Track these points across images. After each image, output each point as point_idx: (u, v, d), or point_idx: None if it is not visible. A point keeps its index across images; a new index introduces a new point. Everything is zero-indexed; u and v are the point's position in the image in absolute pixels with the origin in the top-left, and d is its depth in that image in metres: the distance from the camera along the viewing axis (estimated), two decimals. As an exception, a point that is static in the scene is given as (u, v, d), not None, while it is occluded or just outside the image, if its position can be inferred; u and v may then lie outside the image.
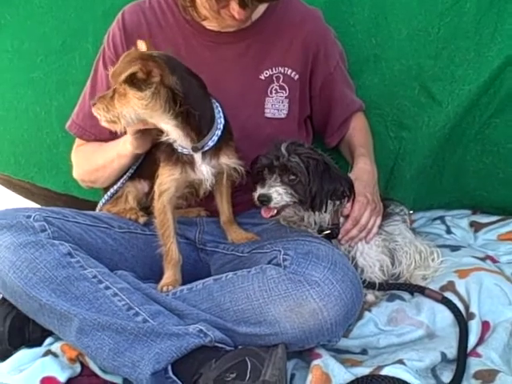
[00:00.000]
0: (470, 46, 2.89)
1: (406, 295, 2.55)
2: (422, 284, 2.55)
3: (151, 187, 2.44)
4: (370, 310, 2.46)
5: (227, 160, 2.35)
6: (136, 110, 2.17)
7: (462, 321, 2.32)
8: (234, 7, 2.32)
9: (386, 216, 2.62)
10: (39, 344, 2.33)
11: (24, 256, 2.14)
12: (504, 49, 2.83)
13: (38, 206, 3.28)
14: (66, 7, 3.02)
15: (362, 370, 2.14)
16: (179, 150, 2.29)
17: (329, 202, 2.35)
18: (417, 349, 2.23)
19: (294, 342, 2.16)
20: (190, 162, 2.30)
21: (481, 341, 2.28)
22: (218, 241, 2.58)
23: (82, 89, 2.75)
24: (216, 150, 2.31)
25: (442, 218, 3.18)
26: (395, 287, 2.57)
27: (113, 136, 2.51)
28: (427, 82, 2.96)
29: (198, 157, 2.30)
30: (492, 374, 2.11)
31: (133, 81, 2.12)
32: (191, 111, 2.21)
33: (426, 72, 2.96)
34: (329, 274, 2.14)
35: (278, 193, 2.28)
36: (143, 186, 2.54)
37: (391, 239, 2.61)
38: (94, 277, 2.18)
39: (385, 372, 2.08)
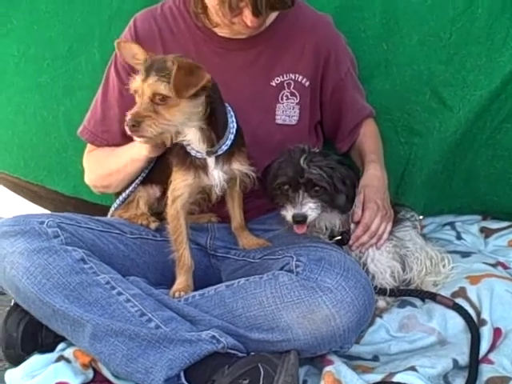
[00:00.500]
0: (481, 51, 2.94)
1: (418, 301, 2.59)
2: (433, 290, 2.60)
3: (163, 192, 2.49)
4: (381, 317, 2.51)
5: (239, 166, 2.40)
6: (186, 117, 2.23)
7: (473, 327, 2.36)
8: (247, 15, 2.37)
9: (396, 222, 2.66)
10: (52, 349, 2.39)
11: (37, 262, 2.20)
12: (515, 54, 2.86)
13: (49, 212, 3.31)
14: (73, 12, 3.07)
15: (374, 377, 2.19)
16: (193, 154, 2.34)
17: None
18: (429, 355, 2.27)
19: (307, 349, 2.21)
20: (202, 167, 2.35)
21: (493, 347, 2.32)
22: (229, 247, 2.64)
23: (89, 93, 2.81)
24: (228, 156, 2.37)
25: (452, 224, 3.24)
26: (406, 293, 2.62)
27: (125, 141, 2.58)
28: (438, 87, 3.01)
29: (211, 161, 2.36)
30: (504, 380, 2.16)
31: None
32: (214, 114, 2.29)
33: (437, 77, 3.01)
34: (341, 281, 2.19)
35: (311, 209, 2.34)
36: (155, 190, 2.59)
37: (402, 245, 2.65)
38: (107, 283, 2.24)
39: (397, 379, 2.13)
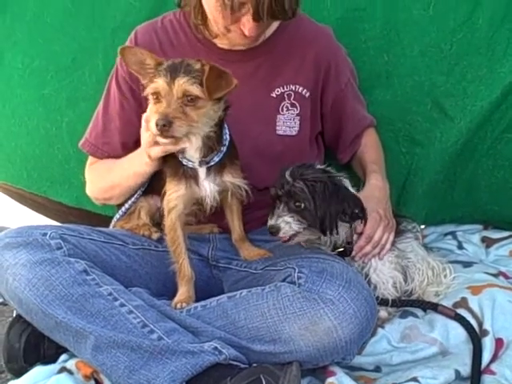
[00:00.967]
0: (482, 62, 2.93)
1: (419, 312, 2.57)
2: (435, 300, 2.58)
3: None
4: (382, 327, 2.49)
5: (231, 178, 2.39)
6: (209, 120, 2.26)
7: (475, 338, 2.35)
8: (246, 23, 2.37)
9: (398, 233, 2.64)
10: (54, 361, 2.37)
11: (40, 273, 2.18)
12: (516, 65, 2.85)
13: (53, 223, 3.32)
14: (77, 25, 3.07)
15: (376, 388, 2.15)
16: (184, 163, 2.33)
17: (339, 223, 2.38)
18: (431, 366, 2.25)
19: (309, 360, 2.20)
20: (194, 178, 2.35)
21: (495, 358, 2.30)
22: (230, 257, 2.62)
23: (93, 105, 2.80)
24: (220, 168, 2.36)
25: (453, 234, 3.22)
26: (408, 304, 2.60)
27: (125, 152, 2.59)
28: (439, 97, 3.01)
29: (202, 172, 2.35)
30: (506, 391, 2.12)
31: None
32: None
33: (438, 88, 3.00)
34: (343, 292, 2.17)
35: (285, 222, 2.32)
36: (155, 201, 2.57)
37: (403, 256, 2.63)
38: (110, 294, 2.22)
39: (399, 389, 2.10)
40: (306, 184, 2.30)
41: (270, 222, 2.33)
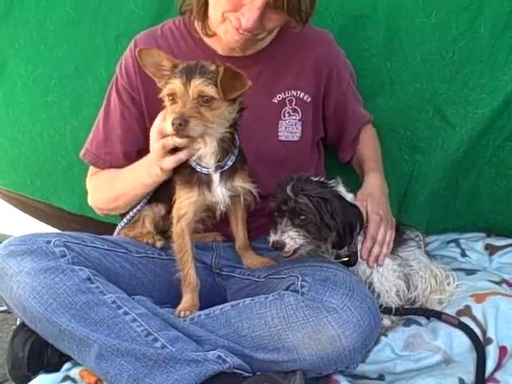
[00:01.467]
0: (484, 70, 2.92)
1: (423, 320, 2.55)
2: (438, 308, 2.56)
3: (168, 210, 2.46)
4: (386, 335, 2.46)
5: (241, 183, 2.37)
6: (224, 120, 2.25)
7: (479, 346, 2.33)
8: (246, 12, 2.33)
9: (401, 242, 2.64)
10: (57, 369, 2.35)
11: (44, 281, 2.16)
12: (518, 73, 2.84)
13: (57, 231, 3.30)
14: (80, 32, 3.07)
15: (380, 396, 2.13)
16: (198, 170, 2.31)
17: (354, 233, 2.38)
18: (434, 374, 2.23)
19: (312, 369, 2.17)
20: (206, 184, 2.32)
21: (498, 366, 2.29)
22: (234, 265, 2.60)
23: (96, 112, 2.78)
24: (231, 173, 2.34)
25: (456, 241, 3.19)
26: (411, 312, 2.58)
27: (127, 162, 2.58)
28: (441, 105, 3.00)
29: (216, 177, 2.32)
30: (511, 400, 2.10)
31: None
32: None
33: (440, 95, 2.99)
34: (347, 301, 2.15)
35: (290, 237, 2.30)
36: (160, 209, 2.55)
37: (406, 264, 2.62)
38: (113, 302, 2.20)
39: (403, 398, 2.07)
40: (310, 200, 2.29)
41: (274, 238, 2.31)
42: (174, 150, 2.31)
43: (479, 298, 2.54)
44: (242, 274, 2.56)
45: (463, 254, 3.07)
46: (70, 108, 3.13)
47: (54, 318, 2.15)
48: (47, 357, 2.36)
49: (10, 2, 3.08)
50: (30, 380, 2.30)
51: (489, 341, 2.35)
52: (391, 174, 2.99)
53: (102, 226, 3.01)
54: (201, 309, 2.35)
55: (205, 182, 2.32)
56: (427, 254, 2.78)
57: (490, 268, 2.97)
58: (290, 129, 2.68)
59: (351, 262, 2.47)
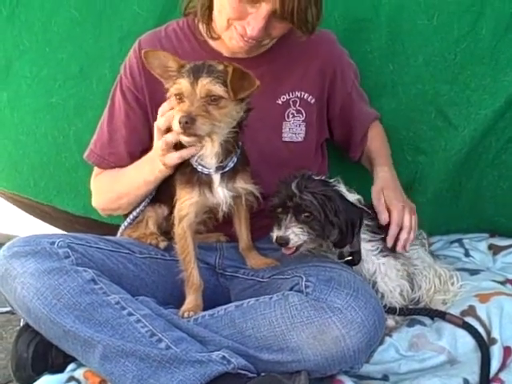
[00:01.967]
0: (485, 71, 2.89)
1: (427, 320, 2.52)
2: (442, 308, 2.53)
3: (171, 211, 2.42)
4: (390, 335, 2.42)
5: (243, 184, 2.34)
6: (232, 120, 2.22)
7: (483, 346, 2.30)
8: (252, 21, 2.31)
9: None
10: (62, 370, 2.31)
11: (48, 282, 2.13)
12: (520, 74, 2.82)
13: (61, 232, 3.27)
14: (84, 34, 3.04)
15: (385, 397, 2.10)
16: (199, 170, 2.28)
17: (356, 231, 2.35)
18: (439, 375, 2.20)
19: (317, 369, 2.14)
20: (207, 184, 2.29)
21: (503, 366, 2.26)
22: (237, 266, 2.57)
23: (100, 114, 2.75)
24: (233, 174, 2.31)
25: (459, 241, 3.15)
26: (415, 312, 2.55)
27: (131, 162, 2.54)
28: (443, 106, 2.96)
29: (216, 178, 2.29)
30: (515, 400, 2.07)
31: None
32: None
33: (442, 97, 2.96)
34: (351, 301, 2.12)
35: (294, 233, 2.27)
36: (163, 209, 2.52)
37: (410, 263, 2.58)
38: (117, 303, 2.17)
39: (408, 399, 2.04)
40: (314, 197, 2.27)
41: (278, 233, 2.28)
42: (179, 146, 2.28)
43: (483, 298, 2.50)
44: (246, 274, 2.53)
45: (467, 254, 3.04)
46: (75, 109, 3.09)
47: (58, 319, 2.11)
48: (51, 358, 2.32)
49: (15, 4, 3.05)
50: (34, 381, 2.26)
51: (493, 341, 2.31)
52: None
53: (106, 227, 2.96)
54: (204, 309, 2.32)
55: (205, 182, 2.29)
56: (431, 253, 2.75)
57: (493, 268, 2.93)
58: (293, 130, 2.65)
59: (355, 261, 2.43)
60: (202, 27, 2.56)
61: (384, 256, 2.50)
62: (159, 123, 2.28)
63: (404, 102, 2.99)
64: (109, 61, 2.99)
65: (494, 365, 2.24)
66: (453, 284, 2.62)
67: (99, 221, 3.08)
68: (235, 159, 2.30)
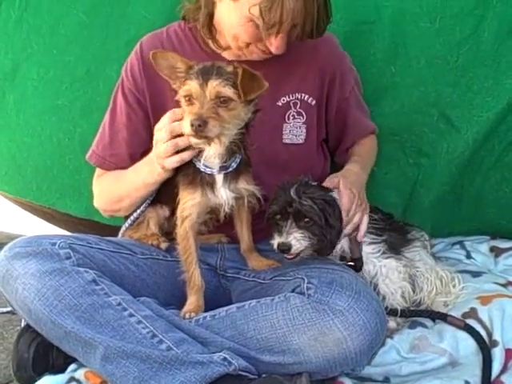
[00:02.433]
0: (488, 73, 2.84)
1: (428, 322, 2.46)
2: (444, 311, 2.47)
3: (172, 212, 2.38)
4: (391, 337, 2.37)
5: (245, 185, 2.29)
6: (240, 121, 2.18)
7: (485, 348, 2.24)
8: (274, 42, 2.29)
9: (406, 242, 2.55)
10: (63, 371, 2.27)
11: (49, 283, 2.08)
12: (523, 77, 2.78)
13: (62, 233, 3.25)
14: (91, 37, 3.02)
15: (386, 399, 2.06)
16: (202, 170, 2.23)
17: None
18: (440, 377, 2.15)
19: (318, 371, 2.09)
20: (210, 185, 2.24)
21: (504, 369, 2.20)
22: (239, 267, 2.52)
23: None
24: (235, 175, 2.26)
25: (461, 243, 3.07)
26: (417, 314, 2.49)
27: (132, 163, 2.49)
28: (446, 109, 2.91)
29: (219, 178, 2.24)
30: (517, 403, 2.03)
31: None
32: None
33: (444, 99, 2.90)
34: (353, 303, 2.07)
35: (296, 239, 2.23)
36: (164, 210, 2.47)
37: (412, 265, 2.53)
38: (119, 304, 2.12)
39: (409, 401, 2.00)
40: (314, 202, 2.22)
41: (280, 240, 2.23)
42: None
43: (485, 300, 2.45)
44: (247, 275, 2.47)
45: (468, 256, 2.96)
46: (81, 111, 3.06)
47: (59, 320, 2.07)
48: (52, 358, 2.28)
49: (23, 8, 3.05)
50: (35, 381, 2.22)
51: (495, 343, 2.26)
52: (396, 178, 2.98)
53: (108, 229, 2.91)
54: (206, 310, 2.27)
55: (208, 182, 2.24)
56: (432, 255, 2.70)
57: (495, 270, 2.86)
58: (294, 132, 2.60)
59: (357, 267, 2.38)
60: (206, 39, 2.52)
61: (386, 258, 2.44)
62: (175, 127, 2.21)
63: (406, 104, 2.94)
64: (115, 63, 2.93)
65: (496, 367, 2.19)
66: (454, 286, 2.56)
67: (101, 222, 3.05)
68: (238, 160, 2.25)
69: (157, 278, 2.42)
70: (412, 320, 2.47)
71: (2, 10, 3.06)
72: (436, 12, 2.84)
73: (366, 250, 2.42)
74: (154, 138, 2.29)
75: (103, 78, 3.01)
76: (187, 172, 2.26)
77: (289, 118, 2.58)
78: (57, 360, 2.27)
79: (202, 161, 2.22)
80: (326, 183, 2.38)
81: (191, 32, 2.57)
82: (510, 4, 2.78)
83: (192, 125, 2.04)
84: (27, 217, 3.59)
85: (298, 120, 2.59)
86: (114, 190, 2.55)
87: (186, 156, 2.21)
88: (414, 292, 2.51)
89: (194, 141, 2.14)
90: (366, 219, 2.39)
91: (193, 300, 2.27)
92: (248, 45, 2.35)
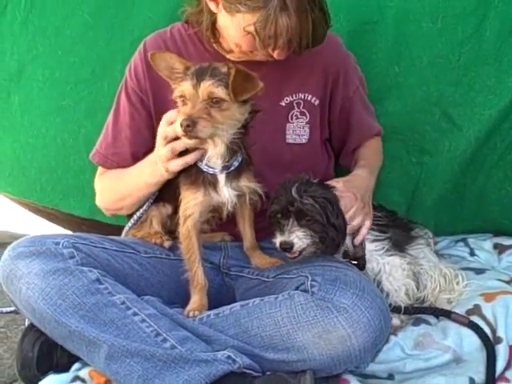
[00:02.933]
0: (490, 72, 2.80)
1: (432, 319, 2.42)
2: (448, 308, 2.43)
3: (174, 210, 2.36)
4: (395, 335, 2.33)
5: (247, 183, 2.26)
6: (235, 121, 2.15)
7: (489, 345, 2.21)
8: (271, 52, 2.26)
9: (410, 239, 2.53)
10: (67, 369, 2.23)
11: (53, 283, 2.05)
12: (524, 75, 2.76)
13: (66, 232, 3.21)
14: (96, 38, 3.00)
15: (390, 396, 2.04)
16: (205, 170, 2.20)
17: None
18: (445, 374, 2.12)
19: (322, 368, 2.05)
20: (212, 184, 2.21)
21: (509, 365, 2.17)
22: (242, 265, 2.48)
23: (110, 116, 2.72)
24: (237, 173, 2.23)
25: (464, 240, 3.02)
26: (421, 311, 2.45)
27: (134, 163, 2.46)
28: (448, 107, 2.87)
29: (221, 178, 2.21)
30: (522, 399, 2.01)
31: None
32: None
33: (446, 98, 2.87)
34: (357, 301, 2.03)
35: (298, 238, 2.20)
36: (167, 209, 2.43)
37: (416, 263, 2.49)
38: (123, 303, 2.09)
39: (413, 398, 1.98)
40: (315, 200, 2.19)
41: (282, 239, 2.21)
42: (182, 152, 2.21)
43: (489, 297, 2.41)
44: (251, 273, 2.44)
45: (472, 253, 2.92)
46: (86, 112, 3.04)
47: (63, 319, 2.04)
48: (56, 357, 2.25)
49: (29, 9, 3.02)
50: (39, 380, 2.18)
51: (499, 340, 2.23)
52: (399, 176, 2.96)
53: (112, 228, 2.88)
54: (209, 309, 2.24)
55: (211, 182, 2.21)
56: (436, 253, 2.66)
57: (498, 267, 2.82)
58: (297, 131, 2.56)
59: (360, 266, 2.34)
60: (210, 41, 2.48)
61: (389, 255, 2.41)
62: (168, 132, 2.19)
63: (409, 103, 2.91)
64: (120, 64, 2.88)
65: (500, 364, 2.16)
66: (458, 283, 2.53)
67: (104, 222, 3.02)
68: (240, 159, 2.22)
69: (160, 276, 2.38)
70: (416, 317, 2.44)
71: (8, 12, 3.03)
72: (438, 12, 2.80)
73: (370, 247, 2.38)
74: (157, 141, 2.27)
75: (108, 78, 2.99)
76: (189, 172, 2.24)
77: (292, 118, 2.54)
78: (61, 359, 2.24)
79: (205, 161, 2.20)
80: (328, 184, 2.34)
81: (194, 32, 2.53)
82: (512, 4, 2.76)
83: (181, 125, 2.03)
84: (31, 217, 3.56)
85: (302, 120, 2.55)
86: (117, 188, 2.52)
87: (189, 159, 2.19)
88: (417, 289, 2.48)
89: (185, 141, 2.12)
90: (367, 223, 2.35)
91: (196, 298, 2.23)
92: (250, 51, 2.31)
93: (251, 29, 2.18)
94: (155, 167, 2.29)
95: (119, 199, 2.50)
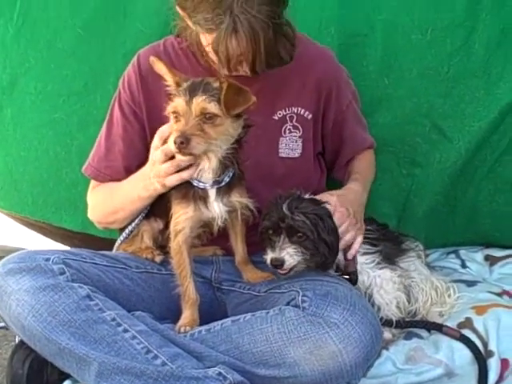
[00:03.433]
0: (479, 84, 2.78)
1: (424, 333, 2.38)
2: (439, 321, 2.39)
3: (166, 225, 2.31)
4: (387, 348, 2.28)
5: (239, 198, 2.21)
6: (228, 137, 2.10)
7: (480, 359, 2.19)
8: (246, 69, 2.22)
9: (401, 252, 2.49)
10: None
11: (43, 299, 2.00)
12: (513, 86, 2.75)
13: (59, 246, 3.16)
14: (88, 51, 2.94)
15: (382, 411, 2.01)
16: (195, 184, 2.16)
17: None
18: None
19: None
20: (203, 199, 2.17)
21: (500, 379, 2.17)
22: (234, 280, 2.43)
23: (103, 128, 2.68)
24: (228, 188, 2.19)
25: (456, 252, 2.99)
26: (412, 325, 2.41)
27: (127, 176, 2.42)
28: (438, 119, 2.84)
29: (212, 192, 2.16)
30: (513, 413, 1.99)
31: None
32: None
33: (436, 110, 2.84)
34: (348, 316, 1.99)
35: (289, 254, 2.15)
36: (158, 224, 2.39)
37: (407, 275, 2.46)
38: (113, 319, 2.04)
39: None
40: (306, 217, 2.15)
41: (273, 255, 2.16)
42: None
43: (480, 310, 2.37)
44: (243, 288, 2.39)
45: (463, 265, 2.89)
46: (78, 124, 2.97)
47: (53, 336, 1.98)
48: (47, 374, 2.20)
49: (21, 23, 2.96)
50: None
51: (490, 353, 2.20)
52: (390, 188, 2.90)
53: (104, 242, 2.82)
54: (201, 323, 2.20)
55: (201, 197, 2.16)
56: (427, 265, 2.63)
57: (490, 279, 2.79)
58: (290, 145, 2.51)
59: (352, 281, 2.30)
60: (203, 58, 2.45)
61: (380, 268, 2.37)
62: (169, 150, 2.13)
63: (399, 115, 2.87)
64: (113, 76, 2.85)
65: (492, 377, 2.15)
66: (449, 296, 2.49)
67: (97, 236, 2.96)
68: (231, 174, 2.18)
69: (152, 291, 2.34)
70: (407, 331, 2.39)
71: (0, 25, 2.98)
72: (427, 24, 2.78)
73: (361, 260, 2.34)
74: (150, 156, 2.23)
75: (100, 91, 2.93)
76: (180, 186, 2.19)
77: (285, 132, 2.50)
78: (51, 376, 2.19)
79: (196, 176, 2.15)
80: (321, 197, 2.30)
81: (187, 46, 2.48)
82: (500, 16, 2.73)
83: (175, 142, 1.99)
84: (23, 230, 3.50)
85: (294, 134, 2.50)
86: (109, 202, 2.48)
87: (185, 175, 2.14)
88: (409, 302, 2.44)
89: (180, 158, 2.08)
90: (359, 239, 2.31)
91: (187, 314, 2.19)
92: (230, 71, 2.25)
93: (209, 49, 2.17)
94: (148, 181, 2.25)
95: (112, 213, 2.45)
